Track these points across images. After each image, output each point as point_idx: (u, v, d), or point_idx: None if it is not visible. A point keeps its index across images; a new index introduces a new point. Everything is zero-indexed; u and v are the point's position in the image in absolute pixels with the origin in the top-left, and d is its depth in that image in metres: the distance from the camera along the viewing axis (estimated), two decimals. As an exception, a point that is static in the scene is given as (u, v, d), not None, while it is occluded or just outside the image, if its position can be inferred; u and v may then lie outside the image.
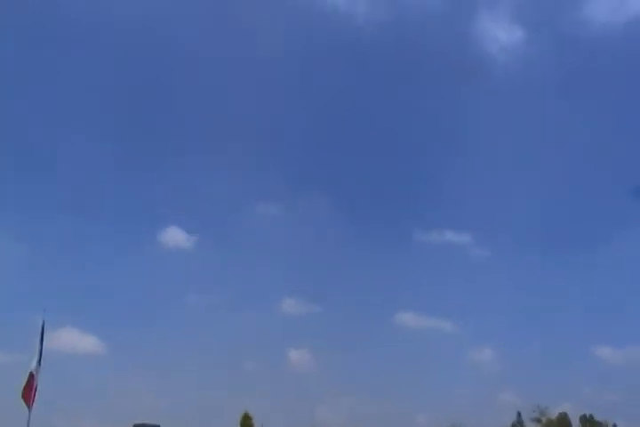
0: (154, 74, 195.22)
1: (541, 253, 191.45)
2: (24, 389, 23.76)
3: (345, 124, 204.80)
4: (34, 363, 23.88)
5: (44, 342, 24.56)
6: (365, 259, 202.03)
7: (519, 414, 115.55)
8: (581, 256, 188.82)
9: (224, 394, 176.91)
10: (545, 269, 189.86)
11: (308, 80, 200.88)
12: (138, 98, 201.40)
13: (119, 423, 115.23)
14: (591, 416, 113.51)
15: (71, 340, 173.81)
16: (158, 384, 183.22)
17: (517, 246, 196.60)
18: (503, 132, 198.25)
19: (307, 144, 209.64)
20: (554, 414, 36.52)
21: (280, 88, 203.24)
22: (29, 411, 26.16)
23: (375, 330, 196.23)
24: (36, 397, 26.06)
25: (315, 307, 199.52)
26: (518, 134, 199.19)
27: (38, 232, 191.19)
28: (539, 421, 30.65)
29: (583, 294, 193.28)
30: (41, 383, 23.07)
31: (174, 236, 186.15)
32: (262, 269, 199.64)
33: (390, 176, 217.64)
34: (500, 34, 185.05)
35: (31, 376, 23.64)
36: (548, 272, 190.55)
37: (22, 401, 25.81)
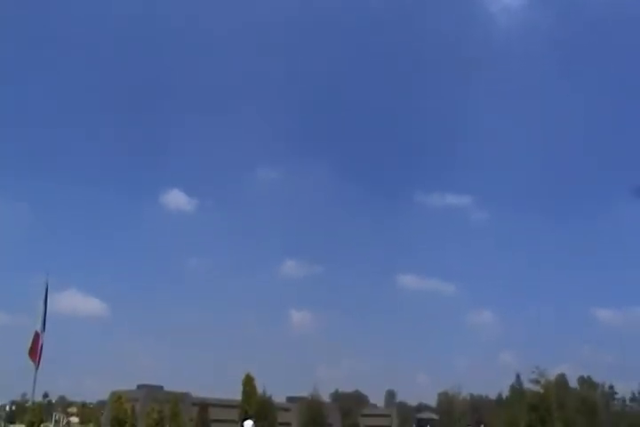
0: (156, 38, 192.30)
1: (541, 216, 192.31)
2: (30, 348, 24.18)
3: (345, 87, 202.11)
4: (39, 324, 24.22)
5: (48, 305, 24.87)
6: (366, 221, 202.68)
7: (518, 375, 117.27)
8: (581, 219, 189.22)
9: (226, 355, 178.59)
10: (544, 231, 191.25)
11: (309, 44, 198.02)
12: (140, 63, 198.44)
13: (123, 384, 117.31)
14: (589, 377, 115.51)
15: (75, 302, 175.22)
16: (161, 346, 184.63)
17: (517, 209, 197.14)
18: (504, 96, 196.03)
19: (307, 108, 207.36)
20: (552, 375, 37.23)
21: (281, 52, 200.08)
22: (35, 370, 26.66)
23: (376, 292, 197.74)
24: (43, 358, 26.50)
25: (315, 269, 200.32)
26: (519, 98, 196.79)
27: (41, 196, 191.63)
28: (537, 382, 31.17)
29: (582, 257, 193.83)
30: (46, 345, 23.41)
31: (176, 199, 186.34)
32: (263, 232, 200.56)
33: (391, 140, 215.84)
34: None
35: (36, 335, 23.97)
36: (548, 235, 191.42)
37: (29, 360, 26.31)
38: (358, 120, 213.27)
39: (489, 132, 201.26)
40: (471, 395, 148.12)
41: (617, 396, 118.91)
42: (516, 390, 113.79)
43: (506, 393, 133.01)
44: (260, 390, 61.44)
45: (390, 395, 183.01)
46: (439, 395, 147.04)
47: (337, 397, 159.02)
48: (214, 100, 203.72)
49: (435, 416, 55.09)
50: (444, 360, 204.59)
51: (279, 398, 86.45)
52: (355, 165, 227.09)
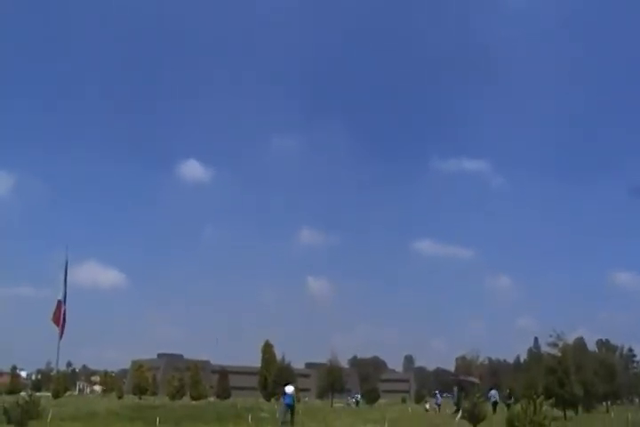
0: (166, 8, 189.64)
1: (558, 180, 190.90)
2: (54, 316, 24.65)
3: (359, 53, 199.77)
4: (60, 295, 24.67)
5: (69, 277, 25.31)
6: (383, 188, 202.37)
7: (536, 339, 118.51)
8: (599, 182, 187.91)
9: (244, 324, 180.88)
10: (563, 195, 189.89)
11: (323, 10, 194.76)
12: (153, 33, 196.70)
13: (144, 353, 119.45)
14: (607, 340, 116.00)
15: (95, 274, 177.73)
16: (180, 315, 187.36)
17: (535, 174, 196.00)
18: (521, 60, 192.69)
19: (321, 75, 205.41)
20: (570, 339, 37.45)
21: (295, 19, 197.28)
22: (59, 339, 27.25)
23: (393, 258, 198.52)
24: (66, 329, 27.04)
25: (332, 236, 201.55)
26: (536, 61, 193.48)
27: (59, 168, 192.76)
28: (555, 345, 31.34)
29: (599, 221, 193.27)
30: (68, 316, 23.89)
31: (192, 169, 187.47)
32: (279, 201, 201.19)
33: (407, 105, 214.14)
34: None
35: (59, 304, 24.42)
36: (566, 199, 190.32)
37: (53, 331, 26.89)
38: (373, 86, 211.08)
39: (506, 95, 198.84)
40: (489, 359, 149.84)
41: (636, 358, 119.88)
42: (534, 353, 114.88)
43: (524, 357, 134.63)
44: (278, 356, 62.26)
45: (408, 360, 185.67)
46: (457, 359, 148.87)
47: (355, 363, 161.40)
48: (228, 69, 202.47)
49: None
50: (462, 325, 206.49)
51: (298, 364, 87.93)
52: (370, 132, 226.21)
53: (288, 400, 26.95)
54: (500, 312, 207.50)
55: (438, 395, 51.96)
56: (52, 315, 25.07)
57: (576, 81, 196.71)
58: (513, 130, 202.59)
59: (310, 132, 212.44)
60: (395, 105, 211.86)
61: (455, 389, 38.31)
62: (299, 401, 43.03)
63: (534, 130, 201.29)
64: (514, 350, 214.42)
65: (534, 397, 8.76)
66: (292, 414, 26.53)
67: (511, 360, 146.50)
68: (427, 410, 47.72)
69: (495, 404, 37.95)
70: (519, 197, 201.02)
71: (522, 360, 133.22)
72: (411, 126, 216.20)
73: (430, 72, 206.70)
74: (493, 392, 40.70)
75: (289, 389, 27.82)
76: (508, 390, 40.00)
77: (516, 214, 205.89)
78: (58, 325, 25.37)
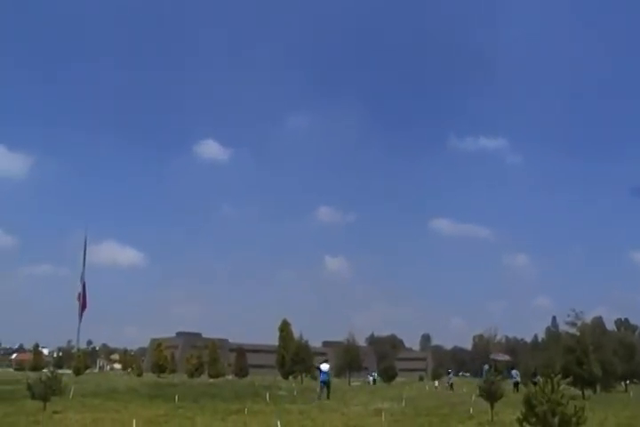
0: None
1: (577, 157, 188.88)
2: (79, 298, 25.16)
3: (374, 30, 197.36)
4: (80, 275, 25.11)
5: (89, 256, 25.70)
6: (400, 167, 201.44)
7: (554, 318, 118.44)
8: (618, 159, 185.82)
9: (262, 302, 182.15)
10: (581, 173, 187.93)
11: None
12: (167, 11, 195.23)
13: (162, 332, 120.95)
14: (626, 320, 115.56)
15: (113, 253, 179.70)
16: (198, 294, 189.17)
17: (552, 151, 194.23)
18: (539, 35, 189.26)
19: (337, 53, 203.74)
20: (589, 318, 37.40)
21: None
22: (79, 319, 27.73)
23: (410, 237, 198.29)
24: (85, 307, 27.55)
25: (349, 215, 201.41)
26: (554, 36, 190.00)
27: (78, 149, 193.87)
28: (574, 325, 31.29)
29: (619, 199, 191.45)
30: (89, 295, 24.31)
31: (210, 149, 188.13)
32: (297, 180, 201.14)
33: (423, 83, 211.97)
34: None
35: (82, 286, 24.85)
36: (584, 176, 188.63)
37: (73, 309, 27.39)
38: (389, 64, 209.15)
39: (524, 73, 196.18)
40: (506, 338, 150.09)
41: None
42: (552, 332, 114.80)
43: (541, 336, 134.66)
44: (296, 335, 62.78)
45: (425, 339, 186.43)
46: (474, 338, 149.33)
47: (372, 341, 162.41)
48: (245, 48, 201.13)
49: (508, 358, 56.23)
50: (479, 304, 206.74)
51: (315, 342, 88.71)
52: (387, 111, 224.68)
53: (324, 377, 28.30)
54: (517, 291, 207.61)
55: (451, 374, 52.38)
56: (77, 296, 25.50)
57: (595, 56, 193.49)
58: (530, 107, 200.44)
59: (327, 111, 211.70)
60: (411, 83, 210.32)
61: (485, 367, 38.44)
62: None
63: (552, 107, 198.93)
64: (531, 329, 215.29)
65: (552, 375, 8.78)
66: (328, 389, 27.93)
67: (529, 339, 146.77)
68: (435, 387, 48.23)
69: (517, 384, 38.11)
70: (537, 174, 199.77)
71: (540, 339, 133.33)
72: (427, 105, 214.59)
73: (446, 49, 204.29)
74: (514, 372, 40.95)
75: (324, 366, 29.03)
76: (534, 368, 40.14)
77: (534, 192, 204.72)
78: (81, 308, 25.84)
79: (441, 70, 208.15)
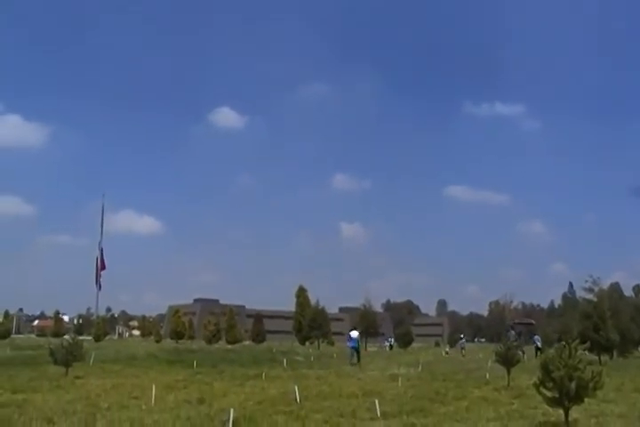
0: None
1: (594, 123, 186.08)
2: (97, 267, 25.52)
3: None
4: (98, 244, 25.40)
5: (105, 225, 25.98)
6: (415, 134, 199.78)
7: (571, 284, 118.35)
8: (635, 125, 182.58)
9: (279, 269, 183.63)
10: (598, 139, 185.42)
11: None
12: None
13: (180, 298, 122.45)
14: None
15: (131, 221, 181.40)
16: (216, 261, 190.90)
17: (570, 117, 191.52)
18: (556, 2, 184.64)
19: (353, 19, 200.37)
20: (606, 284, 37.29)
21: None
22: (98, 287, 28.14)
23: (426, 203, 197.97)
24: (105, 275, 27.98)
25: (365, 182, 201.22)
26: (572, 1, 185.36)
27: (94, 118, 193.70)
28: (591, 290, 31.21)
29: (637, 164, 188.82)
30: (108, 263, 24.61)
31: (225, 117, 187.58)
32: (313, 147, 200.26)
33: (438, 49, 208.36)
34: None
35: (100, 254, 25.16)
36: (602, 142, 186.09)
37: (92, 277, 27.79)
38: (405, 30, 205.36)
39: (540, 37, 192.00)
40: (523, 304, 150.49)
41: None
42: (569, 298, 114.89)
43: (558, 302, 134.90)
44: (312, 301, 63.31)
45: (441, 305, 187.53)
46: (490, 304, 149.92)
47: (389, 307, 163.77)
48: (261, 16, 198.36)
49: (532, 321, 56.55)
50: (495, 271, 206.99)
51: (332, 308, 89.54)
52: (402, 77, 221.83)
53: (353, 343, 29.50)
54: (533, 258, 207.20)
55: (463, 340, 52.79)
56: (96, 264, 25.80)
57: (612, 22, 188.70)
58: (547, 73, 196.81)
59: (343, 79, 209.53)
60: (427, 50, 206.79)
61: (511, 332, 38.72)
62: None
63: (569, 72, 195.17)
64: (548, 295, 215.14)
65: (569, 341, 8.77)
66: (358, 355, 29.17)
67: (545, 306, 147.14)
68: (446, 353, 48.70)
69: (538, 349, 38.42)
70: (554, 141, 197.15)
71: (556, 305, 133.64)
72: (443, 71, 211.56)
73: (462, 15, 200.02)
74: (536, 337, 41.26)
75: (354, 333, 30.33)
76: (557, 335, 40.31)
77: (551, 159, 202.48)
78: (98, 276, 26.17)
79: (457, 36, 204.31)
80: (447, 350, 51.73)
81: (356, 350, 29.42)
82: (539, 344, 39.88)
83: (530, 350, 38.69)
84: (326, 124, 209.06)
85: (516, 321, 58.42)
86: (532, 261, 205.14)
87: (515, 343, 17.66)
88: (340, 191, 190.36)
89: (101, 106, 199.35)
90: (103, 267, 27.37)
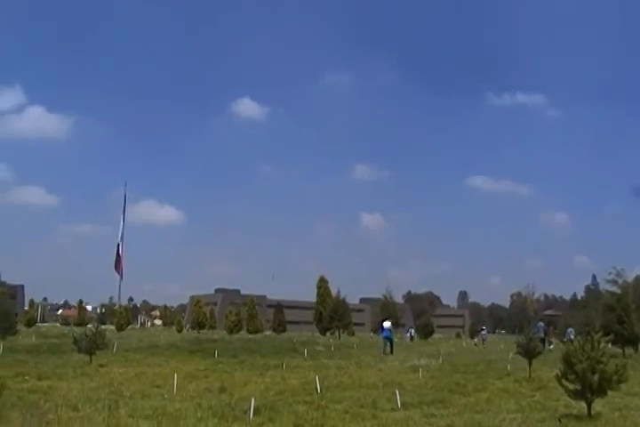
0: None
1: (617, 111, 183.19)
2: (115, 261, 25.76)
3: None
4: (119, 235, 25.64)
5: (127, 215, 26.20)
6: (436, 124, 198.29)
7: (594, 276, 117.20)
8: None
9: (300, 259, 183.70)
10: (620, 127, 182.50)
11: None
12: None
13: (202, 289, 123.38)
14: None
15: (153, 212, 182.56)
16: (237, 251, 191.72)
17: (592, 106, 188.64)
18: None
19: (373, 9, 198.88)
20: (630, 276, 36.86)
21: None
22: (120, 278, 28.39)
23: (447, 193, 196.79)
24: (127, 265, 28.19)
25: (386, 172, 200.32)
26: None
27: (116, 107, 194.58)
28: (614, 282, 30.92)
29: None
30: (128, 253, 24.86)
31: (247, 107, 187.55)
32: (334, 137, 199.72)
33: (460, 39, 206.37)
34: None
35: (118, 247, 25.43)
36: (624, 131, 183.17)
37: (115, 268, 28.04)
38: (425, 19, 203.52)
39: (562, 25, 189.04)
40: (545, 295, 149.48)
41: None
42: (592, 291, 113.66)
43: (580, 294, 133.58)
44: (333, 291, 63.43)
45: (463, 296, 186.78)
46: (512, 295, 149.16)
47: (410, 298, 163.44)
48: (282, 4, 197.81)
49: (559, 312, 56.23)
50: (517, 262, 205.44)
51: (353, 299, 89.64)
52: (423, 67, 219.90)
53: (386, 333, 30.39)
54: (556, 249, 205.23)
55: (484, 331, 52.48)
56: (117, 254, 26.01)
57: (634, 6, 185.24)
58: (568, 61, 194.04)
59: (363, 69, 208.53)
60: (447, 38, 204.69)
61: (540, 324, 38.42)
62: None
63: (590, 60, 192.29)
64: (570, 287, 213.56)
65: (592, 333, 8.71)
66: (391, 345, 30.09)
67: (567, 297, 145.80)
68: (475, 344, 48.62)
69: (571, 342, 37.92)
70: (578, 130, 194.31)
71: (579, 297, 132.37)
72: (464, 60, 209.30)
73: (482, 4, 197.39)
74: (570, 330, 40.75)
75: (387, 324, 30.94)
76: (587, 329, 39.77)
77: (573, 148, 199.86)
78: (118, 269, 26.39)
79: (478, 25, 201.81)
80: (475, 341, 51.48)
81: (390, 340, 30.10)
82: (572, 337, 39.44)
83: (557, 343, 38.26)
84: (347, 115, 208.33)
85: (546, 313, 58.00)
86: (554, 253, 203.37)
87: (540, 336, 17.52)
88: (360, 181, 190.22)
89: (124, 96, 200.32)
90: (119, 264, 27.65)
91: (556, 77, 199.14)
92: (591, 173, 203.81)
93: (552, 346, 34.68)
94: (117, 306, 68.24)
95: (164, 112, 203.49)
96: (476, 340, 52.66)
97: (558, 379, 9.06)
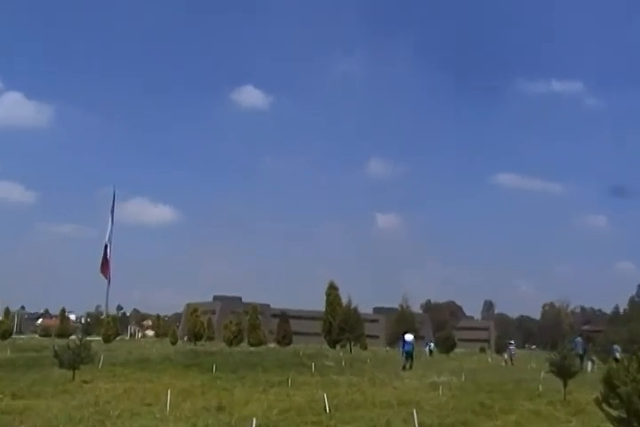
0: None
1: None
2: (102, 264, 25.81)
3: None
4: (107, 236, 25.70)
5: (118, 215, 26.24)
6: (459, 115, 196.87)
7: (639, 287, 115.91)
8: None
9: (308, 263, 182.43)
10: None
11: None
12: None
13: (198, 296, 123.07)
14: None
15: (144, 211, 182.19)
16: (238, 254, 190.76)
17: (634, 93, 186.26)
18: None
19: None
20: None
21: None
22: (108, 283, 28.46)
23: (470, 192, 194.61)
24: (115, 270, 28.27)
25: (401, 167, 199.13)
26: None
27: (104, 94, 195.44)
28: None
29: None
30: (116, 257, 24.88)
31: (250, 96, 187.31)
32: (345, 129, 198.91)
33: (485, 19, 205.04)
34: None
35: (106, 249, 25.48)
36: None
37: (101, 273, 28.09)
38: (451, 3, 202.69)
39: (599, 9, 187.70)
40: (581, 308, 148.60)
41: None
42: (637, 303, 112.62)
43: (623, 307, 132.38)
44: (344, 300, 63.23)
45: (488, 306, 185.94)
46: (544, 307, 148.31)
47: (429, 308, 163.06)
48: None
49: (598, 328, 55.88)
50: (550, 269, 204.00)
51: (365, 308, 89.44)
52: (444, 51, 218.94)
53: (408, 347, 30.58)
54: (595, 255, 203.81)
55: (512, 346, 51.95)
56: (104, 257, 26.08)
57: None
58: (607, 46, 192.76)
59: (377, 56, 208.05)
60: (472, 20, 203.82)
61: (579, 340, 38.07)
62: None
63: (631, 45, 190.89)
64: (611, 298, 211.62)
65: (638, 352, 8.54)
66: (412, 359, 30.32)
67: (608, 310, 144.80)
68: (505, 362, 48.04)
69: (617, 360, 37.43)
70: (619, 121, 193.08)
71: (621, 310, 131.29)
72: (491, 45, 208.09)
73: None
74: (615, 347, 40.18)
75: (408, 337, 31.35)
76: (634, 346, 39.23)
77: (617, 142, 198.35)
78: (105, 274, 26.46)
79: (508, 6, 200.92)
80: (505, 357, 50.82)
81: (410, 355, 30.10)
82: (617, 355, 38.92)
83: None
84: (359, 105, 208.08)
85: (584, 328, 57.61)
86: (592, 259, 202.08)
87: (577, 352, 17.28)
88: (374, 178, 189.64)
89: (112, 82, 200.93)
90: (106, 269, 27.71)
91: (594, 63, 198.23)
92: (635, 170, 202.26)
93: (595, 366, 34.29)
94: (104, 315, 68.50)
95: (157, 100, 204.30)
96: (505, 356, 52.07)
97: (598, 403, 8.88)
